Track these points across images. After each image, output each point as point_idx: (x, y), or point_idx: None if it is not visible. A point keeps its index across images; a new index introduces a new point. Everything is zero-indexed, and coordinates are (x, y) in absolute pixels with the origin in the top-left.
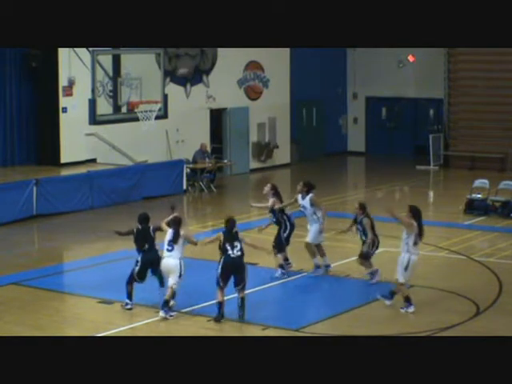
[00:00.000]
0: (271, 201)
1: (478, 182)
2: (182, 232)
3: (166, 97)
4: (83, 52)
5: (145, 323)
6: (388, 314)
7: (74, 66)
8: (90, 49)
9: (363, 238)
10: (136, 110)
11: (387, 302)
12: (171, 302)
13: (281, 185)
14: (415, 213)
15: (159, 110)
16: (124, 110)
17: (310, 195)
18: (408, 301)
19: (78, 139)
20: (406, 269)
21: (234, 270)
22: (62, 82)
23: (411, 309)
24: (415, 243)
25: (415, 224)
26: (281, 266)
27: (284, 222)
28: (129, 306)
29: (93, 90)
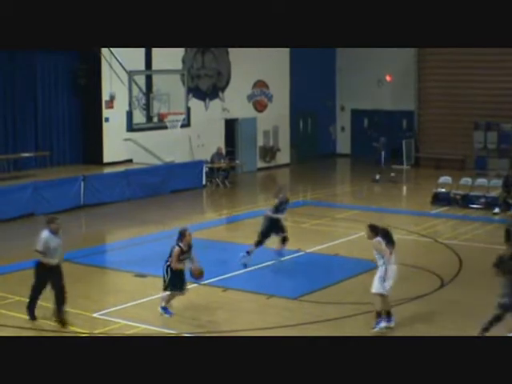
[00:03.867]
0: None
1: (443, 179)
2: None
3: (189, 109)
4: (121, 71)
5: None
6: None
7: (114, 83)
8: (127, 69)
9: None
10: (165, 120)
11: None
12: None
13: (282, 180)
14: (384, 235)
15: (183, 120)
16: (155, 119)
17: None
18: (386, 315)
19: (117, 143)
20: (383, 280)
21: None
22: (105, 96)
23: (382, 324)
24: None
25: (388, 251)
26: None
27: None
28: None
29: (130, 104)
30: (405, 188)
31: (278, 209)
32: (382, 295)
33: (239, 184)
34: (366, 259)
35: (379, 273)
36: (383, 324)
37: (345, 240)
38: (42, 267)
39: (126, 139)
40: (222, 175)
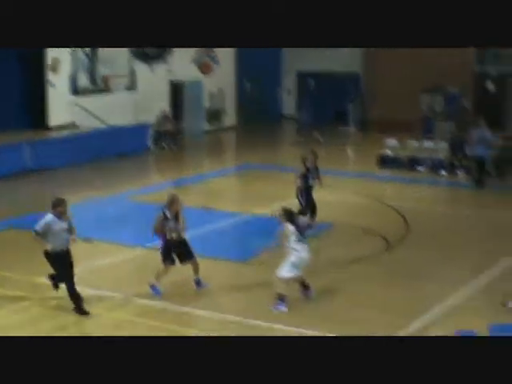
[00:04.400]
0: None
1: (389, 142)
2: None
3: (134, 72)
4: None
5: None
6: (315, 246)
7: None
8: None
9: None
10: (109, 83)
11: None
12: None
13: (229, 143)
14: (288, 215)
15: (128, 82)
16: (100, 83)
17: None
18: (282, 299)
19: (62, 107)
20: (295, 266)
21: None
22: (48, 60)
23: (283, 308)
24: (299, 240)
25: (291, 227)
26: None
27: None
28: None
29: (74, 67)
30: (351, 151)
31: (308, 177)
32: (288, 280)
33: (185, 147)
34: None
35: (293, 258)
36: (283, 308)
37: (292, 202)
38: (48, 255)
39: (70, 103)
40: (168, 138)
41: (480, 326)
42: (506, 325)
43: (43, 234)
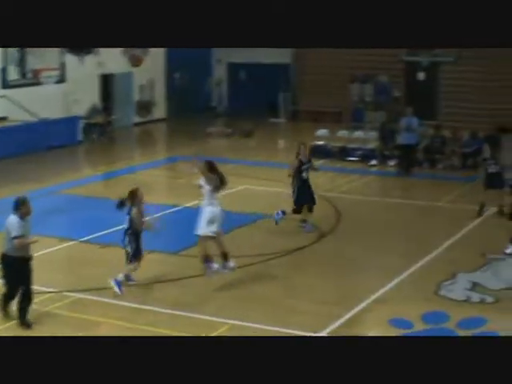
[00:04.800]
0: None
1: (320, 132)
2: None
3: (64, 65)
4: None
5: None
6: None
7: None
8: None
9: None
10: (39, 76)
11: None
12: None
13: (159, 135)
14: (212, 166)
15: (58, 75)
16: (29, 75)
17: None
18: (207, 260)
19: None
20: (211, 222)
21: None
22: None
23: (214, 267)
24: (212, 196)
25: (214, 176)
26: None
27: None
28: None
29: (3, 61)
30: (282, 141)
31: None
32: (209, 237)
33: (116, 139)
34: (244, 212)
35: (207, 214)
36: (215, 266)
37: (223, 194)
38: (10, 259)
39: (0, 96)
40: (98, 130)
41: (413, 314)
42: (437, 312)
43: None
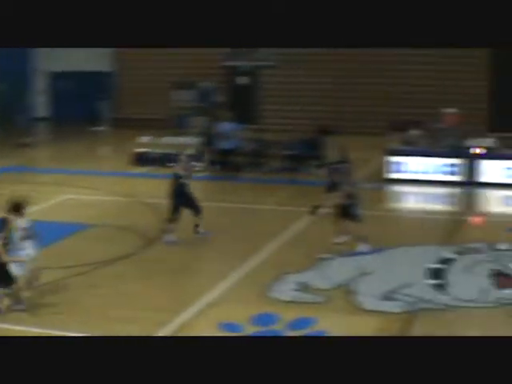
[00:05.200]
0: None
1: (144, 139)
2: None
3: None
4: None
5: None
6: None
7: None
8: None
9: None
10: None
11: None
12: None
13: None
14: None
15: None
16: None
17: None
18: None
19: None
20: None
21: None
22: None
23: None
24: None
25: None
26: None
27: None
28: None
29: None
30: (103, 150)
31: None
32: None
33: None
34: (70, 222)
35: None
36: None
37: (46, 205)
38: None
39: None
40: None
41: (242, 318)
42: (267, 314)
43: None
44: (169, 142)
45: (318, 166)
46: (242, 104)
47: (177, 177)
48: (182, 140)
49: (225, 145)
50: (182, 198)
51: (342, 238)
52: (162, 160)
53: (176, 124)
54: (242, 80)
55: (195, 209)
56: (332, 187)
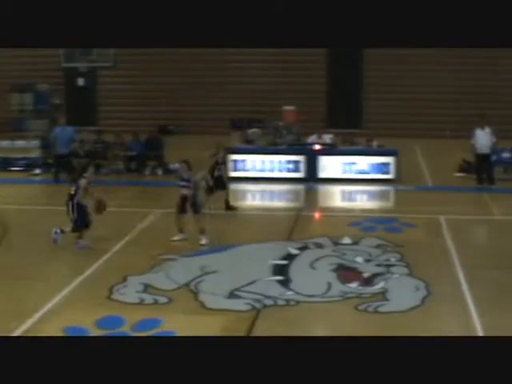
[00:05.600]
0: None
1: None
2: None
3: None
4: None
5: None
6: None
7: None
8: None
9: None
10: None
11: None
12: None
13: None
14: None
15: None
16: None
17: None
18: None
19: None
20: None
21: None
22: None
23: None
24: None
25: None
26: None
27: None
28: None
29: None
30: None
31: None
32: None
33: None
34: None
35: None
36: None
37: None
38: None
39: None
40: None
41: (87, 321)
42: (112, 317)
43: None
44: (7, 145)
45: (158, 165)
46: (80, 106)
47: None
48: (20, 143)
49: (61, 148)
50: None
51: (180, 236)
52: (1, 164)
53: (14, 127)
54: (80, 81)
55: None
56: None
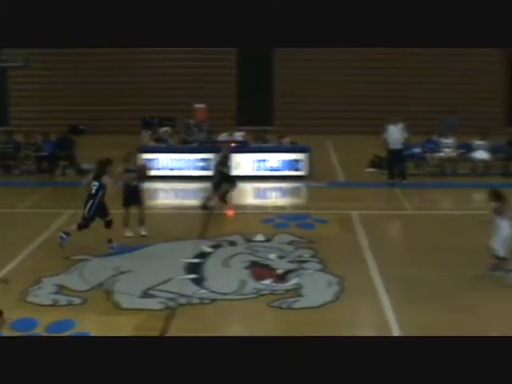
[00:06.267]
0: None
1: None
2: None
3: None
4: None
5: None
6: None
7: None
8: None
9: None
10: None
11: None
12: None
13: None
14: None
15: None
16: None
17: None
18: None
19: None
20: None
21: None
22: None
23: None
24: None
25: None
26: None
27: None
28: None
29: None
30: None
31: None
32: None
33: None
34: None
35: None
36: None
37: None
38: None
39: None
40: None
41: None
42: (26, 319)
43: None
44: None
45: (70, 165)
46: None
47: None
48: None
49: None
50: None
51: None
52: None
53: None
54: None
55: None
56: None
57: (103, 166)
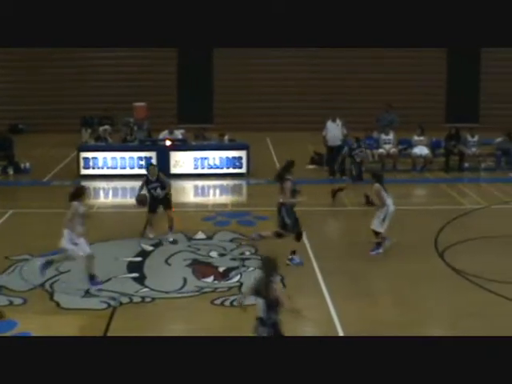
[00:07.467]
0: None
1: None
2: None
3: None
4: None
5: None
6: None
7: None
8: None
9: None
10: None
11: None
12: None
13: None
14: None
15: None
16: None
17: None
18: None
19: None
20: None
21: None
22: None
23: None
24: None
25: None
26: None
27: None
28: None
29: None
30: None
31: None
32: None
33: None
34: None
35: None
36: None
37: None
38: None
39: None
40: None
41: None
42: None
43: None
44: None
45: (9, 165)
46: None
47: None
48: None
49: None
50: None
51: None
52: None
53: None
54: None
55: None
56: None
57: None
